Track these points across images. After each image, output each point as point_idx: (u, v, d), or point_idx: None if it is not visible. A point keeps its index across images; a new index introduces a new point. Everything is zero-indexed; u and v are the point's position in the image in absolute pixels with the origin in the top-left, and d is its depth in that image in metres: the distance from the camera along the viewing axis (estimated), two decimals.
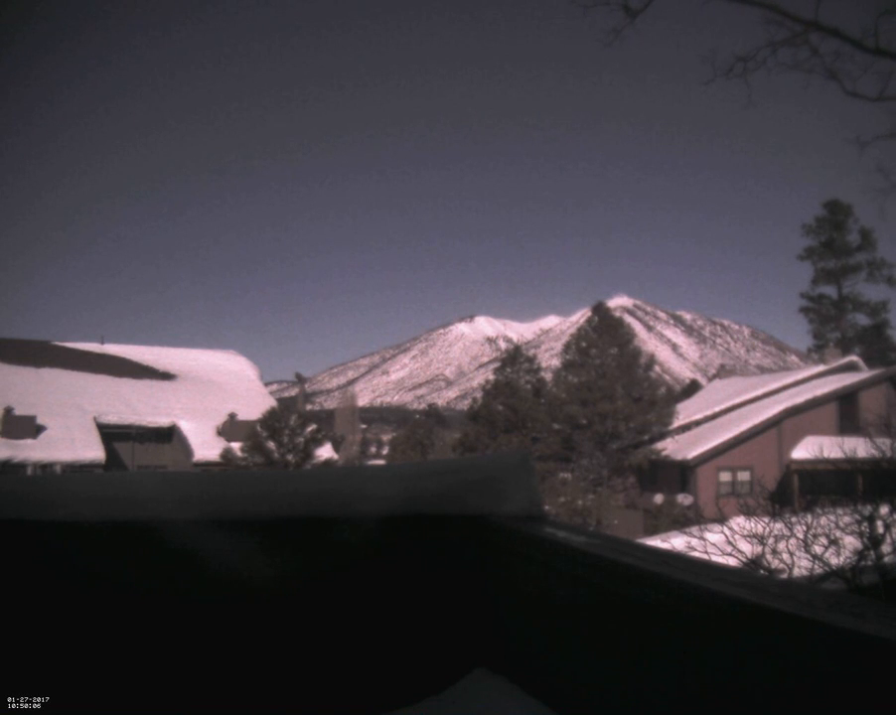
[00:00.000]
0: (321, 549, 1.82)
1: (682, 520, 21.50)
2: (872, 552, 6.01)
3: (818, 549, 6.10)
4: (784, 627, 1.00)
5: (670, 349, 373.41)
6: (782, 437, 27.21)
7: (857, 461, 10.20)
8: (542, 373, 34.35)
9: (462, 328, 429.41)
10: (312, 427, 27.24)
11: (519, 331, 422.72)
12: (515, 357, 33.37)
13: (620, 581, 1.37)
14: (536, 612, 1.69)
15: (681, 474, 27.79)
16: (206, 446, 29.35)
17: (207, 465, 27.33)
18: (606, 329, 31.65)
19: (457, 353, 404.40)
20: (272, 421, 26.09)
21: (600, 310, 33.14)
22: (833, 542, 6.15)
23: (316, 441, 26.86)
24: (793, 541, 6.26)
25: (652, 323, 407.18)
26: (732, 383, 36.94)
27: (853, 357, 34.98)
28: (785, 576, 5.99)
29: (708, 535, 6.78)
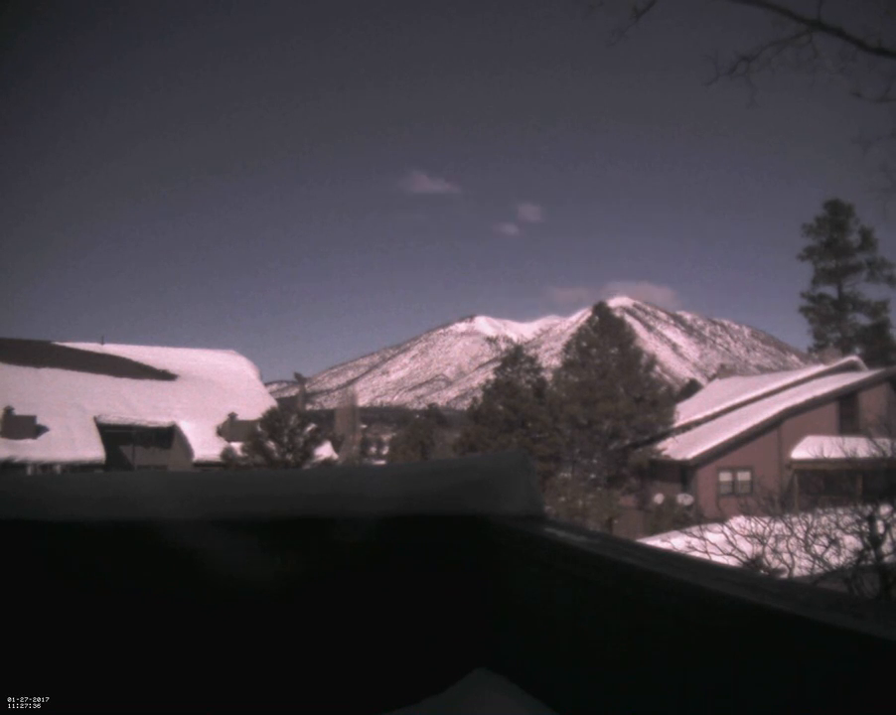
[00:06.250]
0: (321, 549, 1.82)
1: (682, 520, 21.50)
2: (872, 552, 6.01)
3: (818, 549, 6.10)
4: (784, 627, 1.00)
5: (670, 349, 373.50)
6: (782, 437, 27.20)
7: (857, 461, 10.21)
8: (543, 373, 34.35)
9: (462, 328, 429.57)
10: (311, 427, 27.24)
11: (519, 331, 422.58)
12: (515, 357, 33.36)
13: (620, 581, 1.37)
14: (537, 612, 1.69)
15: (682, 474, 27.79)
16: (206, 446, 29.35)
17: (207, 465, 27.31)
18: (607, 329, 31.65)
19: (457, 353, 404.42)
20: (272, 421, 26.09)
21: (601, 310, 33.14)
22: (833, 542, 6.15)
23: (316, 441, 26.87)
24: (793, 541, 6.26)
25: (652, 323, 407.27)
26: (732, 383, 36.92)
27: (853, 358, 34.97)
28: (785, 576, 5.99)
29: (708, 535, 6.79)
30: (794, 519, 6.67)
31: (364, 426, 77.75)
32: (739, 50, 10.31)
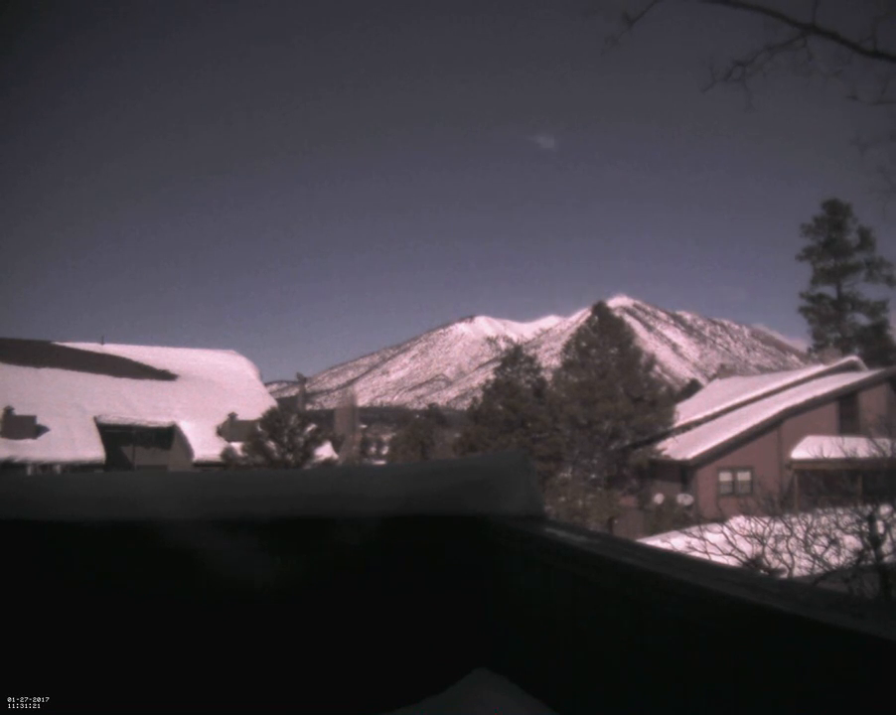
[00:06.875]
0: (321, 549, 1.81)
1: (682, 520, 21.49)
2: (872, 552, 6.01)
3: (818, 549, 6.10)
4: (784, 627, 1.00)
5: (670, 349, 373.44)
6: (782, 437, 27.20)
7: (857, 461, 10.22)
8: (542, 373, 34.33)
9: (462, 328, 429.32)
10: (312, 427, 27.23)
11: (519, 331, 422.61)
12: (515, 357, 33.34)
13: (620, 581, 1.36)
14: (536, 612, 1.69)
15: (682, 474, 27.78)
16: (206, 446, 29.33)
17: (207, 465, 27.30)
18: (607, 329, 31.63)
19: (457, 353, 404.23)
20: (272, 421, 26.08)
21: (600, 310, 33.11)
22: (833, 542, 6.15)
23: (316, 441, 26.85)
24: (793, 541, 6.26)
25: (652, 323, 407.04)
26: (732, 383, 36.91)
27: (853, 358, 34.95)
28: (785, 576, 5.98)
29: (708, 535, 6.79)
30: (794, 519, 6.67)
31: (364, 426, 77.70)
32: (734, 54, 10.35)
